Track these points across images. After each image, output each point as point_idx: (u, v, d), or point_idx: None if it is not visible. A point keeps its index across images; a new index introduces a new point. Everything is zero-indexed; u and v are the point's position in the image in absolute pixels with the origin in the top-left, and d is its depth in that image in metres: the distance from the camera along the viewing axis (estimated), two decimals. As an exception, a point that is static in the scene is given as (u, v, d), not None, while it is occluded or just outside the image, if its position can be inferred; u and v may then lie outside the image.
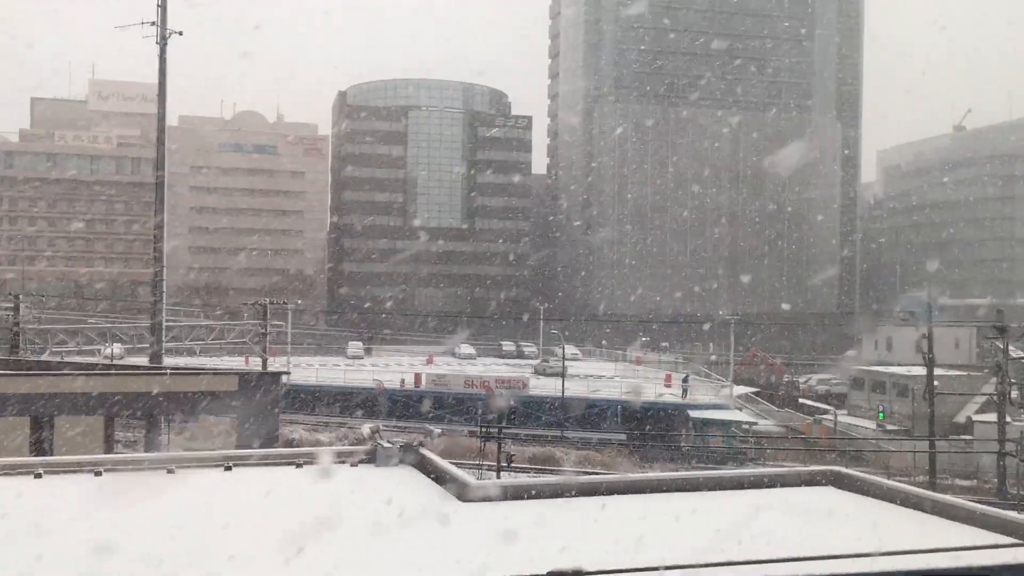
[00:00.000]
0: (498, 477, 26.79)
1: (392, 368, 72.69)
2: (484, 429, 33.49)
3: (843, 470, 10.06)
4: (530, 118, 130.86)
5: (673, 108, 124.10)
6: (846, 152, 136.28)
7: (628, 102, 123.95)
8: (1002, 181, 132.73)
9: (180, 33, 27.67)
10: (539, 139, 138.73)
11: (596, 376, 69.46)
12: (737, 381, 70.26)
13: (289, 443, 40.60)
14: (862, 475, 9.98)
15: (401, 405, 60.48)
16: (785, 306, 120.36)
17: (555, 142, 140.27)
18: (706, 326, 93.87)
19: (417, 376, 63.64)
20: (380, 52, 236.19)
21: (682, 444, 51.67)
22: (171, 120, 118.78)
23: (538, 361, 78.30)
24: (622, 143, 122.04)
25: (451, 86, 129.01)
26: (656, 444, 51.32)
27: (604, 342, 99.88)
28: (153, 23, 27.36)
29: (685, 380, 62.24)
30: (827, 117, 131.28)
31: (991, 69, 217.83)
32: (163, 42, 27.38)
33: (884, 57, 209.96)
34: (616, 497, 9.73)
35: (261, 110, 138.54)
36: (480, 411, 55.34)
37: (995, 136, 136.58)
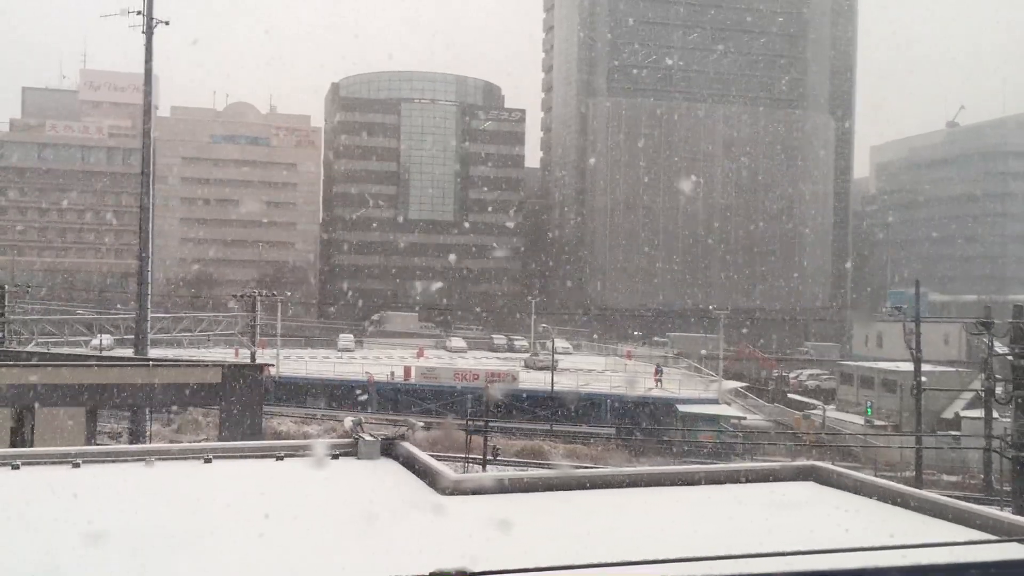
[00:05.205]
0: (483, 470, 26.78)
1: (383, 361, 72.70)
2: (471, 422, 33.46)
3: (824, 465, 10.04)
4: (523, 111, 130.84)
5: (666, 102, 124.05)
6: (839, 147, 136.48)
7: (622, 96, 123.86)
8: (995, 177, 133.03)
9: (167, 23, 27.52)
10: (533, 132, 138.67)
11: (586, 370, 69.54)
12: (727, 376, 70.41)
13: (277, 435, 40.59)
14: (842, 470, 9.97)
15: (390, 398, 60.49)
16: (777, 301, 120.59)
17: (548, 136, 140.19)
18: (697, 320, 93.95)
19: (407, 369, 63.65)
20: (374, 44, 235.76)
21: (670, 438, 51.72)
22: (163, 111, 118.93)
23: (528, 355, 78.33)
24: (615, 137, 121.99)
25: (444, 79, 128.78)
26: (644, 438, 51.39)
27: (595, 336, 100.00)
28: (140, 12, 27.24)
29: (658, 371, 62.91)
30: (820, 112, 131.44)
31: (985, 65, 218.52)
32: (149, 31, 27.22)
33: (878, 53, 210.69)
34: (598, 491, 9.68)
35: (254, 101, 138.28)
36: (469, 404, 55.41)
37: (988, 132, 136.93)
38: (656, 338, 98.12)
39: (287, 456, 10.97)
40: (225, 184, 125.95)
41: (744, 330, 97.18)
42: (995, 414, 31.74)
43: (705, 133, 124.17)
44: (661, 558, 4.90)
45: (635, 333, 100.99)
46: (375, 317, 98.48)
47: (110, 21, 28.56)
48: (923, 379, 37.71)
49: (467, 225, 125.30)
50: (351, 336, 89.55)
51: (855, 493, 9.21)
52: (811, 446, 47.58)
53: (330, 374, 64.71)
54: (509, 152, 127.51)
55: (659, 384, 61.53)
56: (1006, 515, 8.34)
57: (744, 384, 71.77)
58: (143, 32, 27.17)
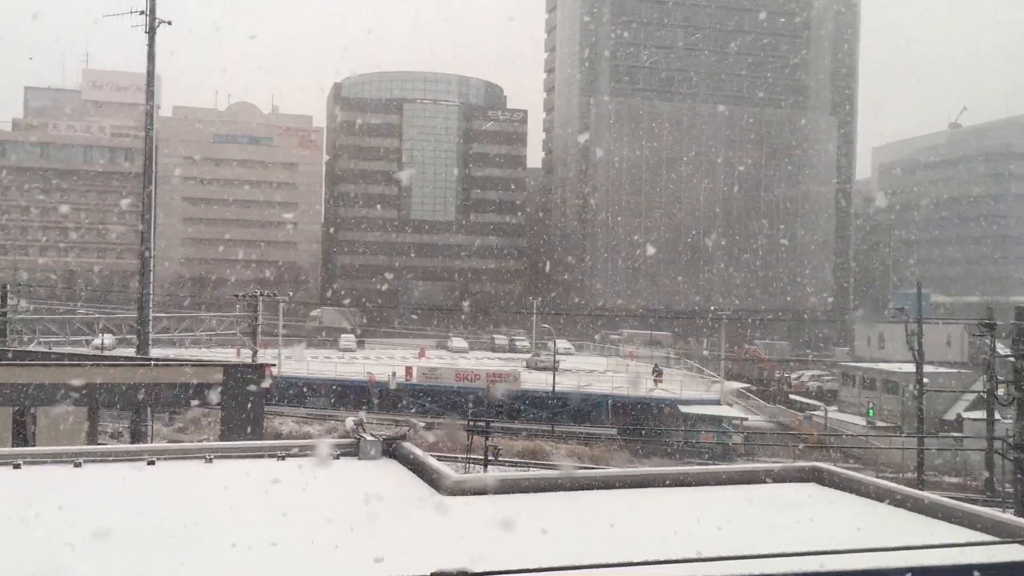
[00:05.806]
0: (484, 471, 26.78)
1: (384, 361, 72.69)
2: (472, 423, 33.48)
3: (825, 466, 10.03)
4: (525, 112, 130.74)
5: (668, 102, 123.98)
6: (840, 148, 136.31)
7: (624, 96, 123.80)
8: (997, 179, 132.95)
9: (169, 23, 27.53)
10: (535, 133, 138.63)
11: (588, 370, 69.52)
12: (729, 377, 70.34)
13: (278, 435, 40.59)
14: (844, 471, 9.96)
15: (392, 398, 60.46)
16: (779, 302, 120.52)
17: (550, 136, 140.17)
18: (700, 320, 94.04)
19: (408, 369, 63.61)
20: (375, 44, 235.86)
21: (671, 439, 51.73)
22: (165, 111, 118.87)
23: (530, 355, 78.30)
24: (617, 137, 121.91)
25: (446, 79, 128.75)
26: (645, 439, 51.39)
27: (596, 336, 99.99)
28: (143, 12, 27.26)
29: (655, 371, 62.83)
30: (822, 113, 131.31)
31: (987, 65, 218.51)
32: (152, 31, 27.24)
33: (879, 53, 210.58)
34: (600, 491, 9.68)
35: (255, 101, 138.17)
36: (471, 404, 55.38)
37: (990, 133, 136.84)
38: (612, 335, 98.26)
39: (288, 456, 10.97)
40: (227, 184, 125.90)
41: (748, 332, 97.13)
42: (997, 415, 31.74)
43: (707, 133, 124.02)
44: (663, 559, 4.90)
45: (638, 332, 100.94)
46: (315, 313, 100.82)
47: (112, 21, 28.63)
48: (925, 380, 37.68)
49: (469, 225, 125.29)
50: (352, 336, 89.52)
51: (857, 494, 9.20)
52: (813, 447, 47.52)
53: (332, 374, 64.70)
54: (511, 152, 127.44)
55: (658, 384, 61.45)
56: (1008, 516, 8.34)
57: (746, 385, 71.71)
58: (146, 32, 27.18)
